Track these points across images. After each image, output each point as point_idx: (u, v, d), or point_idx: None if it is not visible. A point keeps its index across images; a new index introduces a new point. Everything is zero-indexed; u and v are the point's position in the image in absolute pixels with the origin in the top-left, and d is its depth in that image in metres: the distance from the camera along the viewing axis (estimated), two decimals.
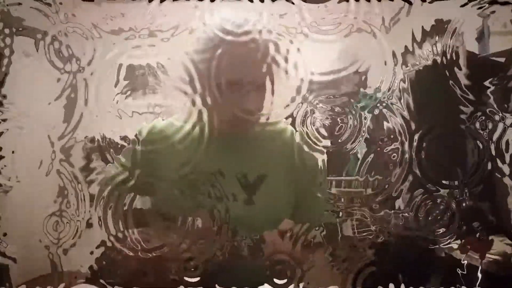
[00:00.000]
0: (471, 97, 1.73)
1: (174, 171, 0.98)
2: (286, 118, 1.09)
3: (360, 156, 2.71)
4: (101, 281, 1.03)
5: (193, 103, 0.97)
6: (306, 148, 1.07)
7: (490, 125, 1.80)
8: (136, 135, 1.05)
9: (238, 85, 0.85)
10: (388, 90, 2.47)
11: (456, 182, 1.56)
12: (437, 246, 1.64)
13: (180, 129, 1.03)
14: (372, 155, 2.53)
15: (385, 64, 3.57)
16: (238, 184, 0.95)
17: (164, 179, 0.99)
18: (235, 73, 0.84)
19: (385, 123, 2.24)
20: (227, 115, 0.90)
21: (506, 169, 1.70)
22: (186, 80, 0.93)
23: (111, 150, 3.71)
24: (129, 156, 1.07)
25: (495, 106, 1.75)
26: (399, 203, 1.84)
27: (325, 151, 2.79)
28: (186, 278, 0.90)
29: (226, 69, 0.84)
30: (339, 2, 3.99)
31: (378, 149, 2.38)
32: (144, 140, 1.03)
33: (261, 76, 0.89)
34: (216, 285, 0.89)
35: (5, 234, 2.26)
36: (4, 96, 2.72)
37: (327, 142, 3.08)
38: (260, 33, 0.88)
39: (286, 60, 0.93)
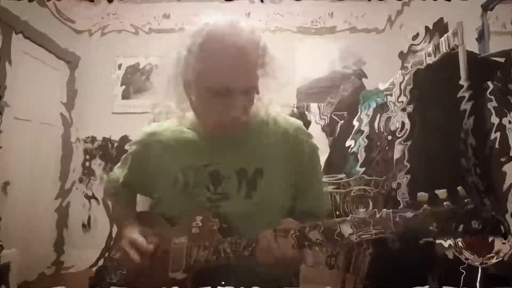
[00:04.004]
0: (471, 96, 1.72)
1: (173, 171, 0.97)
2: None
3: (360, 155, 2.71)
4: (104, 280, 1.03)
5: (190, 103, 0.97)
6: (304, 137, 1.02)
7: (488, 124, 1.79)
8: (135, 137, 1.05)
9: (230, 89, 0.84)
10: (389, 89, 2.46)
11: (455, 181, 1.55)
12: (437, 245, 1.64)
13: (177, 129, 1.02)
14: (372, 154, 2.53)
15: (386, 63, 3.56)
16: (236, 180, 0.94)
17: (164, 179, 0.98)
18: (226, 78, 0.82)
19: (385, 122, 2.24)
20: (222, 120, 0.88)
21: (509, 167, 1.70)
22: (183, 81, 0.92)
23: (111, 150, 3.69)
24: (129, 157, 1.06)
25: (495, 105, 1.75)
26: (399, 202, 1.84)
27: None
28: (185, 277, 0.90)
29: (217, 75, 0.82)
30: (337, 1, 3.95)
31: (379, 148, 2.38)
32: (143, 141, 1.02)
33: (251, 78, 0.87)
34: (216, 284, 0.89)
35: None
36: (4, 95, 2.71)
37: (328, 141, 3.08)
38: (257, 33, 0.86)
39: (273, 55, 0.91)
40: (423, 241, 0.68)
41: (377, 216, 0.71)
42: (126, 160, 1.07)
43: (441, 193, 0.69)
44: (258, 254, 0.78)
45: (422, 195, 0.70)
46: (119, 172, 1.08)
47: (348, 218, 0.75)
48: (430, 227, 0.67)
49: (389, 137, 2.08)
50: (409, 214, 0.69)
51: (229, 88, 0.85)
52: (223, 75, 0.85)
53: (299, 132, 1.02)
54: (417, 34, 2.92)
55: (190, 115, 0.98)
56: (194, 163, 0.96)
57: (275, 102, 0.96)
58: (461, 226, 0.66)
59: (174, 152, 1.00)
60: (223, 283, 0.83)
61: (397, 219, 0.70)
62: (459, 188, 0.68)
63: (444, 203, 0.68)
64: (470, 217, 0.66)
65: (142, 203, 1.14)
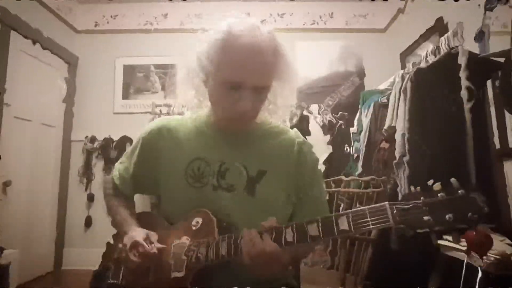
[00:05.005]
0: (471, 95, 1.72)
1: (179, 166, 0.99)
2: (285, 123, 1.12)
3: (360, 155, 2.72)
4: (104, 281, 1.03)
5: (200, 100, 1.01)
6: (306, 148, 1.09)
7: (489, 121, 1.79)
8: (142, 133, 1.06)
9: (242, 84, 0.88)
10: (389, 89, 2.46)
11: (455, 178, 1.55)
12: (437, 245, 1.64)
13: (189, 122, 1.05)
14: (372, 154, 2.53)
15: (386, 63, 3.55)
16: (241, 176, 0.97)
17: (172, 168, 1.00)
18: (239, 73, 0.87)
19: (385, 121, 2.23)
20: (231, 113, 0.92)
21: (509, 166, 1.70)
22: (194, 79, 0.96)
23: (112, 150, 3.68)
24: (137, 147, 1.06)
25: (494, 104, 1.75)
26: (397, 200, 1.84)
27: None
28: (186, 277, 0.90)
29: (231, 69, 0.87)
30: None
31: (379, 148, 2.38)
32: (154, 131, 1.05)
33: (263, 77, 0.92)
34: (217, 283, 0.89)
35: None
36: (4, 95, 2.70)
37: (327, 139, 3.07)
38: (277, 38, 0.92)
39: (289, 61, 0.96)
40: (422, 240, 0.68)
41: (374, 208, 0.72)
42: (133, 151, 1.07)
43: (436, 185, 0.70)
44: (243, 249, 0.79)
45: (417, 188, 0.71)
46: (122, 167, 1.09)
47: (345, 212, 0.75)
48: (425, 218, 0.68)
49: (389, 137, 2.08)
50: (405, 206, 0.70)
51: (241, 83, 0.90)
52: (237, 70, 0.90)
53: (303, 145, 1.06)
54: (417, 34, 2.93)
55: (204, 109, 1.02)
56: (203, 155, 1.00)
57: (286, 106, 1.00)
58: (455, 216, 0.67)
59: (185, 143, 1.04)
60: None
61: (394, 210, 0.70)
62: (453, 180, 0.69)
63: (439, 194, 0.69)
64: (463, 207, 0.67)
65: (141, 203, 1.14)
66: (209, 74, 0.94)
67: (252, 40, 0.90)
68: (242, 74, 0.90)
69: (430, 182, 0.70)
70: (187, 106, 1.03)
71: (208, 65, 0.93)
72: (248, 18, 0.96)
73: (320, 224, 0.76)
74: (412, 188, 0.71)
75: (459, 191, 0.68)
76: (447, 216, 0.67)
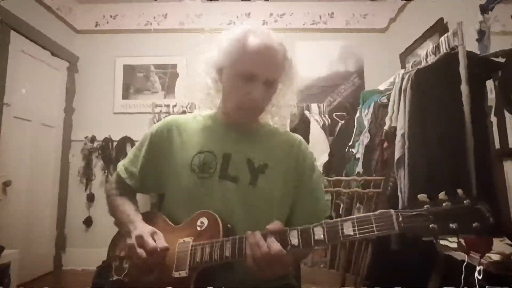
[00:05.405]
0: (471, 95, 1.72)
1: (186, 158, 1.03)
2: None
3: (359, 156, 2.71)
4: (106, 279, 1.03)
5: (211, 96, 1.09)
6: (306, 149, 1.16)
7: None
8: (150, 130, 1.11)
9: (256, 76, 0.97)
10: (389, 89, 2.46)
11: (455, 181, 1.54)
12: (437, 245, 1.64)
13: (197, 118, 1.12)
14: (372, 154, 2.52)
15: (386, 62, 3.54)
16: (244, 167, 1.02)
17: (176, 167, 1.03)
18: (255, 66, 0.97)
19: (385, 122, 2.23)
20: (243, 101, 0.99)
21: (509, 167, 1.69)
22: (220, 66, 1.04)
23: (111, 150, 3.67)
24: (145, 142, 1.10)
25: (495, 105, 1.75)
26: (399, 201, 1.84)
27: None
28: (189, 276, 0.90)
29: (248, 63, 0.96)
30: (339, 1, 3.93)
31: (379, 148, 2.38)
32: (162, 126, 1.10)
33: (274, 72, 1.02)
34: (219, 283, 0.89)
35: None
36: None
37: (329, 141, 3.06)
38: (284, 42, 1.04)
39: (295, 65, 1.08)
40: (422, 240, 0.68)
41: (380, 215, 0.72)
42: (140, 147, 1.11)
43: (441, 194, 0.71)
44: (247, 251, 0.81)
45: (423, 196, 0.72)
46: (128, 162, 1.11)
47: (351, 217, 0.75)
48: (430, 226, 0.69)
49: (389, 137, 2.08)
50: (410, 213, 0.70)
51: (255, 75, 1.01)
52: (253, 64, 1.01)
53: (302, 145, 1.15)
54: (417, 34, 2.93)
55: (212, 109, 1.13)
56: (209, 148, 1.06)
57: (287, 107, 1.11)
58: (460, 226, 0.67)
59: (192, 138, 1.09)
60: None
61: (399, 217, 0.71)
62: (459, 190, 0.69)
63: (444, 203, 0.70)
64: (468, 217, 0.67)
65: (141, 203, 1.15)
66: (226, 67, 1.05)
67: (267, 41, 1.03)
68: (256, 67, 1.01)
69: (441, 195, 0.70)
70: (197, 101, 1.13)
71: (227, 58, 1.04)
72: (262, 25, 1.14)
73: (325, 229, 0.77)
74: (423, 195, 0.71)
75: (464, 201, 0.69)
76: (451, 225, 0.68)
